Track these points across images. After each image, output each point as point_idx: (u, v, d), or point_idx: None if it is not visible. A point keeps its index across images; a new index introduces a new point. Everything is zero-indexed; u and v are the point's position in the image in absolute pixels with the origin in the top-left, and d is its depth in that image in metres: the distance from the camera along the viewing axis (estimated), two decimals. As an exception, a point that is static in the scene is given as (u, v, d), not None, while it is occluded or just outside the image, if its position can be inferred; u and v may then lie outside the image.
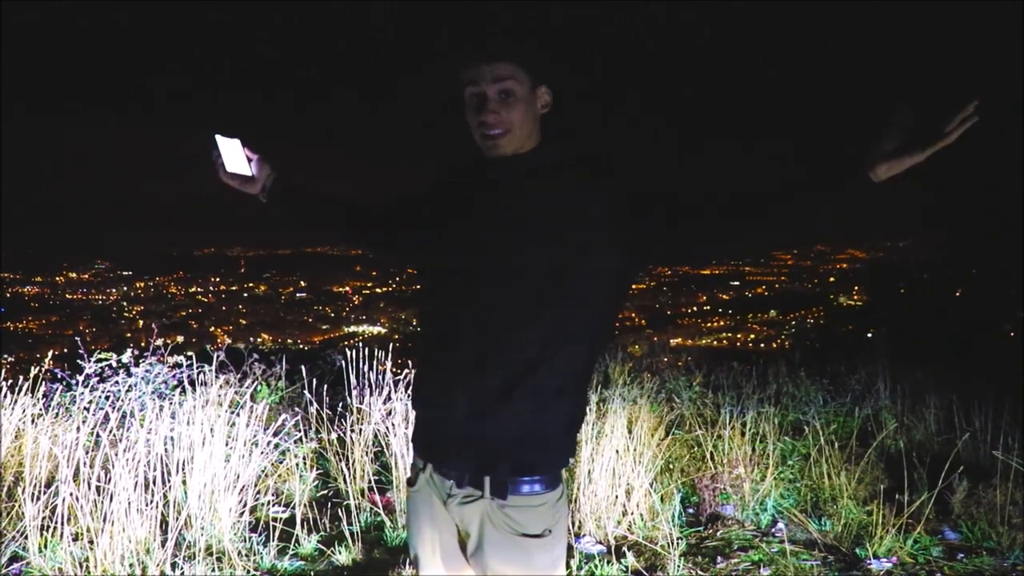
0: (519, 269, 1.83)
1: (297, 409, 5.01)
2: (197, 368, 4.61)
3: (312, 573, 3.66)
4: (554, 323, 1.82)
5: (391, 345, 5.06)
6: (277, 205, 2.26)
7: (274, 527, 3.84)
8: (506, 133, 1.86)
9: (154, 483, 3.67)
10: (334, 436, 4.69)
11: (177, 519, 3.59)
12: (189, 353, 4.87)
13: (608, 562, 3.67)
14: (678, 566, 3.65)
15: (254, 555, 3.75)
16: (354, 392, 4.83)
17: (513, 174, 1.91)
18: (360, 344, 5.03)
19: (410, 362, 4.73)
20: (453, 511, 1.94)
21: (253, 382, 4.91)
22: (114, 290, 54.03)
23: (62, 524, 3.47)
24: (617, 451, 4.10)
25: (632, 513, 4.05)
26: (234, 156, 2.17)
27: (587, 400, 1.95)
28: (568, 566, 3.58)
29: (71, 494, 3.51)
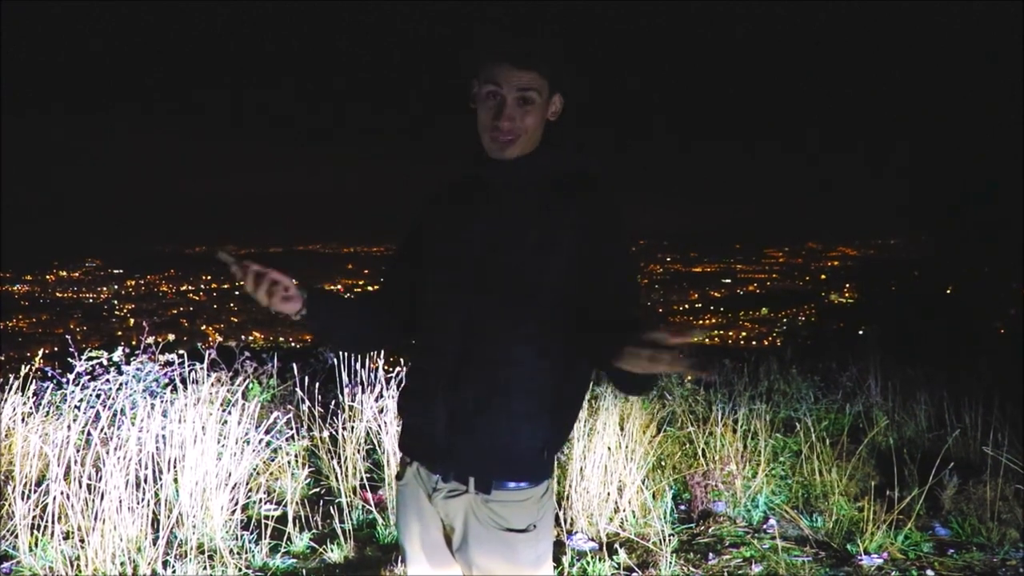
0: (496, 287, 1.85)
1: (289, 407, 5.00)
2: (188, 366, 4.59)
3: (304, 571, 3.66)
4: (527, 344, 1.84)
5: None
6: (318, 317, 1.96)
7: (266, 525, 3.84)
8: (517, 139, 1.86)
9: (145, 481, 3.66)
10: (326, 434, 4.68)
11: (168, 517, 3.58)
12: (180, 351, 4.85)
13: (600, 559, 3.67)
14: (670, 563, 3.65)
15: (246, 553, 3.74)
16: (346, 390, 4.83)
17: (504, 184, 1.91)
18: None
19: (402, 360, 4.73)
20: (438, 505, 1.95)
21: (245, 380, 4.89)
22: (105, 288, 53.77)
23: (53, 523, 3.46)
24: (609, 448, 4.10)
25: (624, 510, 4.05)
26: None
27: (566, 425, 1.94)
28: (560, 563, 3.59)
29: (62, 493, 3.50)
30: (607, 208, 1.88)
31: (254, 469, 4.31)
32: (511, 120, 1.84)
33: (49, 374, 4.73)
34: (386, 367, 4.86)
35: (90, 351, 4.62)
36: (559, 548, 3.73)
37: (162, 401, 4.19)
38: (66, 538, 3.53)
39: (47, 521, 3.51)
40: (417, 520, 2.00)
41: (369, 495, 4.27)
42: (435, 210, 2.03)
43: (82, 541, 3.44)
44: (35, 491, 3.62)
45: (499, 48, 1.84)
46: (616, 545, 3.81)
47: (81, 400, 4.23)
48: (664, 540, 3.74)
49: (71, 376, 4.38)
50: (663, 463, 4.58)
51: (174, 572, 3.50)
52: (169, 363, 4.77)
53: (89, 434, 3.89)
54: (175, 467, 3.89)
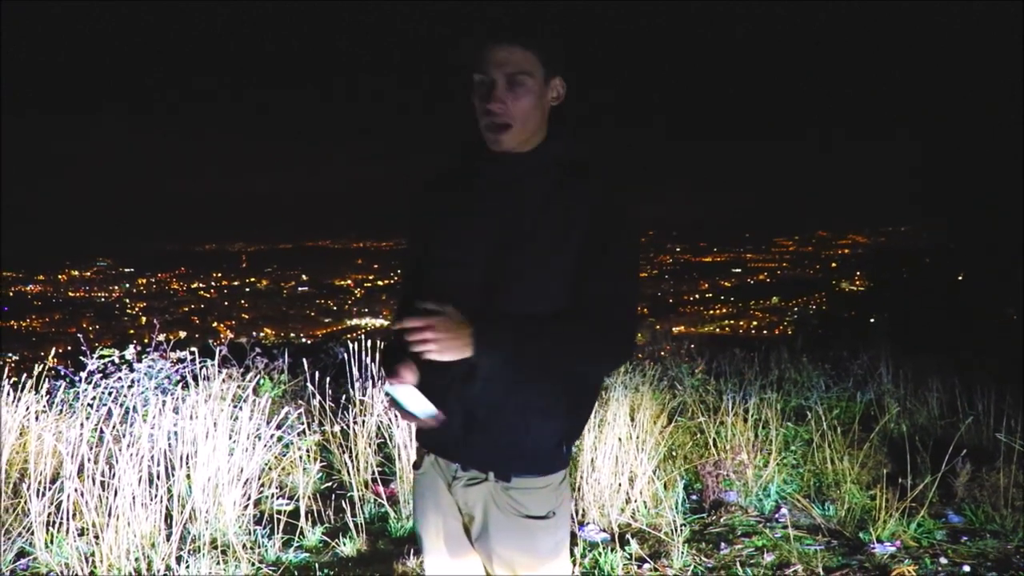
0: (508, 286, 1.83)
1: (300, 402, 5.01)
2: (200, 363, 4.61)
3: (317, 565, 3.67)
4: None
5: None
6: None
7: (278, 520, 3.85)
8: (510, 127, 1.82)
9: (158, 478, 3.67)
10: (337, 428, 4.70)
11: (181, 513, 3.60)
12: (192, 348, 4.87)
13: (612, 549, 3.67)
14: (682, 553, 3.65)
15: (259, 548, 3.76)
16: (357, 384, 4.84)
17: (509, 177, 1.89)
18: (362, 336, 5.03)
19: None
20: (458, 493, 1.95)
21: (256, 376, 4.92)
22: (116, 287, 54.05)
23: (67, 520, 3.48)
24: (620, 439, 4.10)
25: (635, 500, 4.05)
26: (412, 397, 1.88)
27: (581, 418, 1.93)
28: (572, 554, 3.59)
29: (76, 490, 3.52)
30: (612, 204, 1.86)
31: (266, 464, 4.33)
32: (501, 103, 1.80)
33: (62, 373, 4.76)
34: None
35: (102, 349, 4.64)
36: (571, 539, 3.73)
37: (174, 398, 4.21)
38: (81, 534, 3.55)
39: (62, 518, 3.53)
40: (435, 509, 2.00)
41: (381, 489, 4.28)
42: (438, 206, 1.99)
43: (97, 537, 3.46)
44: (50, 488, 3.64)
45: (484, 31, 1.82)
46: (628, 536, 3.81)
47: (94, 398, 4.25)
48: (676, 530, 3.74)
49: (84, 374, 4.40)
50: (674, 453, 4.58)
51: (188, 568, 3.51)
52: (180, 360, 4.80)
53: (102, 432, 3.91)
54: (188, 463, 3.91)
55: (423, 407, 1.83)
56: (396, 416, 1.97)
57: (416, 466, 2.06)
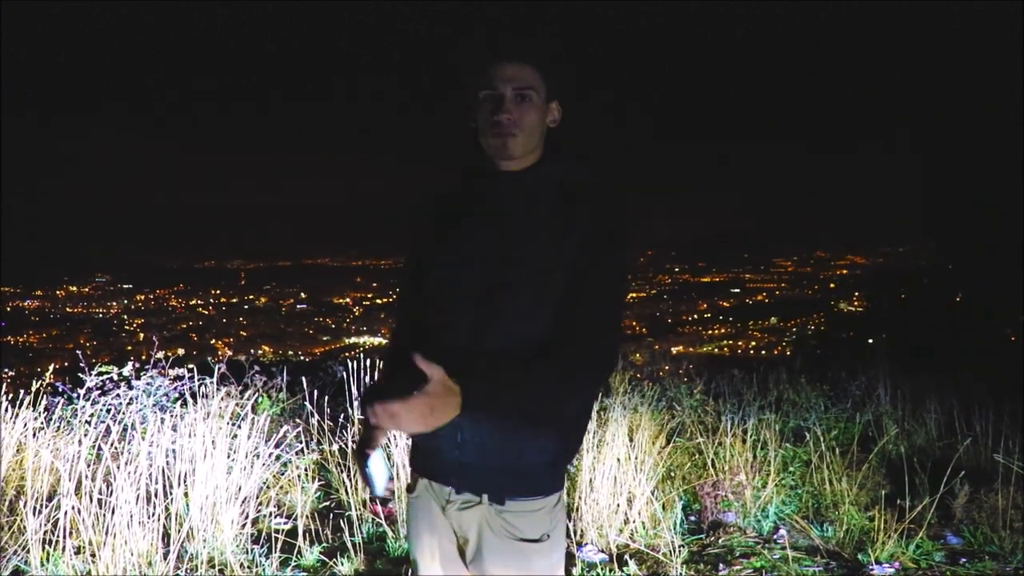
0: (505, 309, 1.83)
1: (298, 420, 5.01)
2: (198, 380, 4.61)
3: (314, 584, 3.66)
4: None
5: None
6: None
7: (276, 539, 3.84)
8: (518, 136, 1.84)
9: (156, 496, 3.67)
10: (336, 447, 4.69)
11: (179, 531, 3.59)
12: (190, 365, 4.87)
13: (610, 570, 3.67)
14: (680, 574, 3.65)
15: (256, 567, 3.75)
16: (355, 403, 4.83)
17: (506, 196, 1.90)
18: (361, 355, 5.03)
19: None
20: (452, 517, 1.95)
21: (254, 394, 4.91)
22: (114, 303, 54.09)
23: (64, 537, 3.48)
24: (618, 459, 4.10)
25: (634, 521, 4.04)
26: (381, 469, 2.04)
27: (576, 439, 1.93)
28: (570, 575, 3.59)
29: (73, 507, 3.51)
30: (610, 225, 1.86)
31: (264, 483, 4.32)
32: (510, 113, 1.83)
33: (60, 389, 4.75)
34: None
35: (100, 366, 4.64)
36: (569, 560, 3.73)
37: (172, 415, 4.21)
38: (77, 553, 3.54)
39: (58, 536, 3.52)
40: (429, 531, 2.00)
41: (379, 508, 4.28)
42: (437, 226, 2.00)
43: (93, 556, 3.45)
44: (46, 506, 3.63)
45: (490, 48, 1.85)
46: (626, 556, 3.80)
47: (92, 415, 4.25)
48: (674, 551, 3.74)
49: (82, 391, 4.40)
50: (673, 474, 4.57)
51: (185, 586, 3.51)
52: (179, 377, 4.79)
53: (100, 449, 3.91)
54: (185, 481, 3.90)
55: (381, 480, 1.98)
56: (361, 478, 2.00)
57: (410, 489, 2.06)
